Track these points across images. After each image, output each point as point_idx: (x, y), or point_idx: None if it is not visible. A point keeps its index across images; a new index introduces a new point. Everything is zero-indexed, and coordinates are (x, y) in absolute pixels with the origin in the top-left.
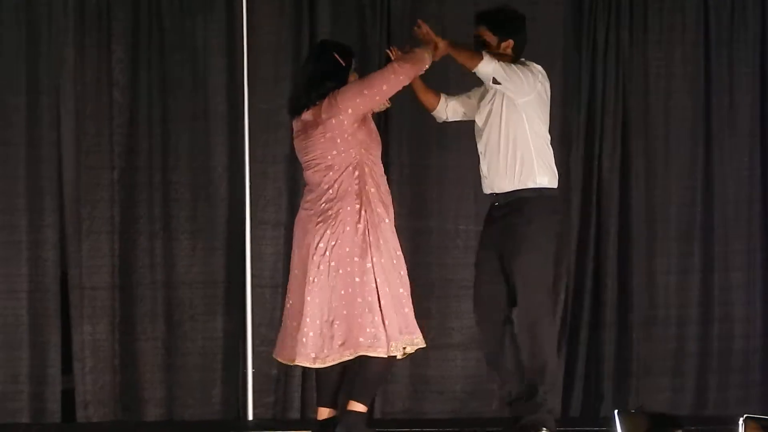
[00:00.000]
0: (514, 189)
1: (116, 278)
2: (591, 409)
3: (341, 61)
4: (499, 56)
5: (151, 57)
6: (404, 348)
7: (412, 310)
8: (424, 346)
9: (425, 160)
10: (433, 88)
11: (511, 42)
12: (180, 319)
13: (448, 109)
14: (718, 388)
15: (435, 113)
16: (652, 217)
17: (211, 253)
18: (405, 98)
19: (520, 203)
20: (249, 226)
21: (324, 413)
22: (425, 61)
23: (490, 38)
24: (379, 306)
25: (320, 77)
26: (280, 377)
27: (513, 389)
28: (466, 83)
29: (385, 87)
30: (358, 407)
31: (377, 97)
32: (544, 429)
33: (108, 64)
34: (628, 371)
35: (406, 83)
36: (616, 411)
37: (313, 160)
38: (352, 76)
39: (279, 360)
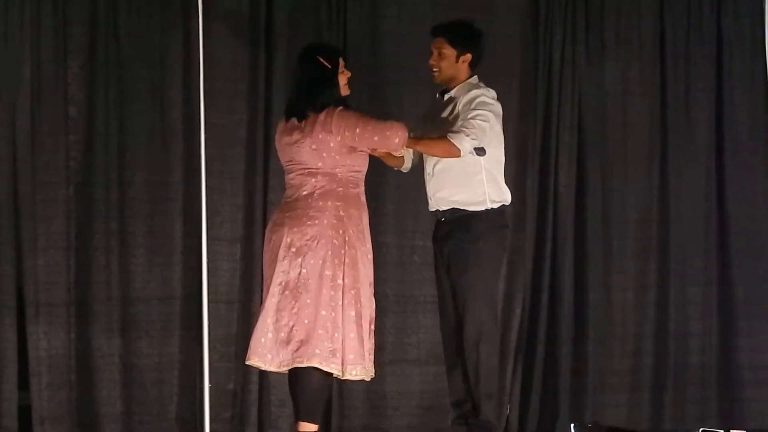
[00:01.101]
0: (467, 206)
1: (72, 294)
2: (548, 424)
3: (326, 64)
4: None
5: (107, 73)
6: (354, 374)
7: (371, 341)
8: (368, 378)
9: (382, 177)
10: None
11: (469, 56)
12: (136, 335)
13: (413, 157)
14: (675, 403)
15: (404, 168)
16: (608, 232)
17: (167, 268)
18: (361, 102)
19: (467, 219)
20: (205, 241)
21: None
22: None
23: (449, 51)
24: (342, 324)
25: (308, 83)
26: (237, 392)
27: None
28: None
29: (376, 138)
30: (309, 427)
31: (365, 142)
32: None
33: (64, 79)
34: (585, 386)
35: (392, 149)
36: (572, 425)
37: (297, 164)
38: (343, 76)
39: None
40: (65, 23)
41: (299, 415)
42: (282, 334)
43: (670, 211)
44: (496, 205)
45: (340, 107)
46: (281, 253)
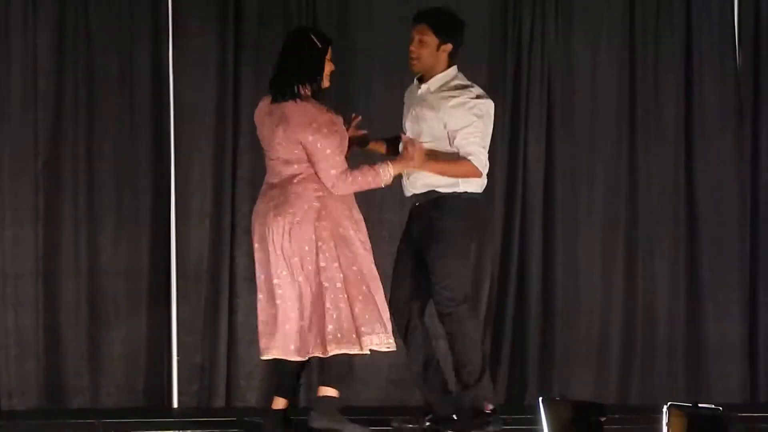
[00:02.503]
0: (440, 188)
1: (40, 266)
2: (515, 397)
3: (317, 42)
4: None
5: (76, 45)
6: (371, 347)
7: (377, 307)
8: (391, 348)
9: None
10: None
11: (450, 46)
12: (104, 308)
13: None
14: (643, 376)
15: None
16: (576, 207)
17: (135, 242)
18: (330, 89)
19: (441, 201)
20: (174, 215)
21: (280, 403)
22: (382, 183)
23: (431, 40)
24: (348, 303)
25: (292, 60)
26: (204, 365)
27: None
28: None
29: (333, 172)
30: (330, 392)
31: (321, 172)
32: (485, 402)
33: (33, 52)
34: (553, 359)
35: (349, 192)
36: (540, 399)
37: (274, 151)
38: (328, 66)
39: (271, 357)
40: None
41: (322, 380)
42: (303, 324)
43: (638, 185)
44: (470, 188)
45: (311, 108)
46: (271, 245)
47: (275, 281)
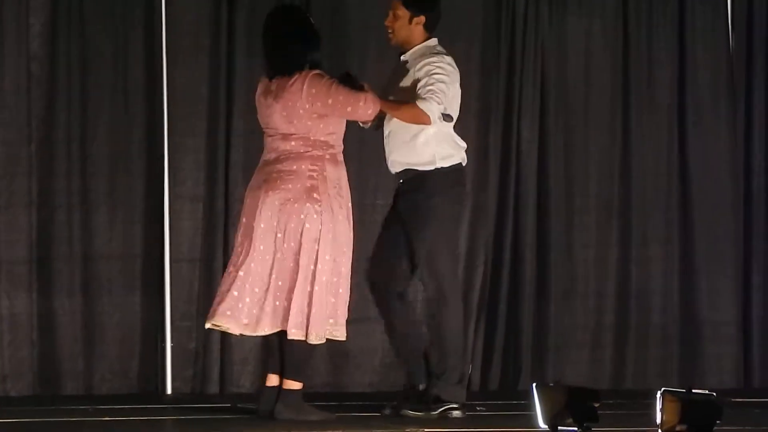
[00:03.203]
0: (417, 167)
1: (34, 252)
2: (509, 383)
3: (311, 18)
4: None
5: (70, 30)
6: (326, 337)
7: (344, 300)
8: (343, 339)
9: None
10: None
11: (423, 18)
12: (98, 293)
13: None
14: (637, 361)
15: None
16: (570, 190)
17: (129, 226)
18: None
19: (422, 179)
20: (168, 199)
21: (272, 380)
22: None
23: (403, 13)
24: (311, 292)
25: (289, 37)
26: (198, 351)
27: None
28: None
29: (349, 109)
30: (294, 385)
31: (337, 112)
32: (454, 404)
33: (26, 37)
34: (547, 345)
35: (364, 120)
36: (534, 384)
37: (272, 129)
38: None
39: (215, 324)
40: None
41: (285, 373)
42: (261, 300)
43: (632, 168)
44: (447, 164)
45: (313, 72)
46: (258, 218)
47: (251, 254)
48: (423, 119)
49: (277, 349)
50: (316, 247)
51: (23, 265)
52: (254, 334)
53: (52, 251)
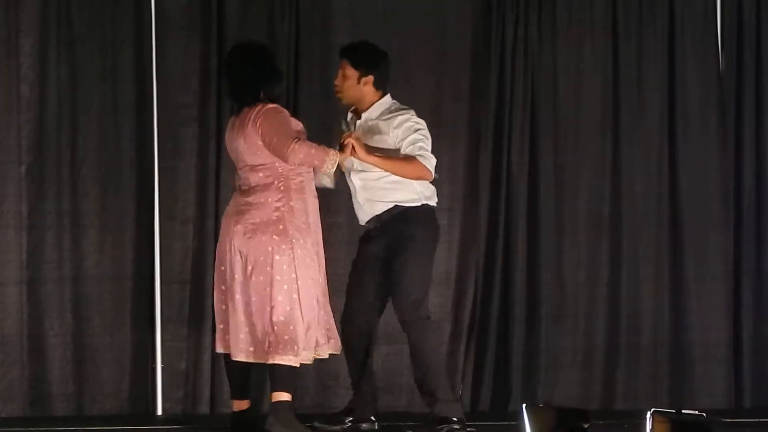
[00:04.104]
0: (404, 203)
1: (24, 273)
2: (500, 403)
3: (267, 49)
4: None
5: (59, 51)
6: (314, 356)
7: (324, 318)
8: (336, 352)
9: None
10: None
11: (371, 77)
12: (88, 314)
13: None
14: (627, 381)
15: (329, 184)
16: (560, 211)
17: (119, 248)
18: (313, 94)
19: (404, 213)
20: (158, 221)
21: (242, 405)
22: (323, 166)
23: (351, 72)
24: (300, 313)
25: (251, 71)
26: (189, 372)
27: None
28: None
29: (285, 150)
30: (283, 396)
31: (277, 154)
32: (454, 419)
33: (16, 58)
34: (537, 365)
35: (290, 165)
36: (524, 405)
37: (240, 160)
38: None
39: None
40: (16, 1)
41: (273, 386)
42: (251, 329)
43: (622, 189)
44: (431, 202)
45: (268, 107)
46: (230, 251)
47: (231, 284)
48: (425, 175)
49: (240, 373)
50: (280, 277)
51: (14, 286)
52: (248, 360)
53: (43, 273)
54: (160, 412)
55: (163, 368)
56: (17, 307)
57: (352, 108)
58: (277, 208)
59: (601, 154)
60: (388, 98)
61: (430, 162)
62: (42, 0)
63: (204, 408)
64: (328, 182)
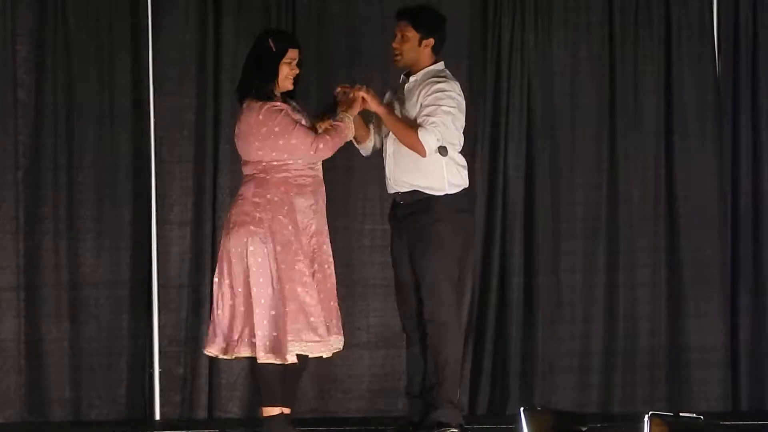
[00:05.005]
0: (426, 190)
1: (21, 278)
2: (497, 407)
3: (272, 47)
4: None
5: (56, 56)
6: (297, 354)
7: (305, 313)
8: (324, 354)
9: (331, 161)
10: None
11: (431, 41)
12: (86, 320)
13: (376, 140)
14: (624, 385)
15: (363, 147)
16: (557, 215)
17: (116, 253)
18: (312, 100)
19: (426, 202)
20: (155, 225)
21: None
22: (346, 133)
23: (412, 35)
24: (255, 313)
25: (249, 65)
26: (186, 377)
27: (415, 386)
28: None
29: (311, 153)
30: (272, 411)
31: (285, 154)
32: (453, 425)
33: (13, 63)
34: (534, 369)
35: (311, 161)
36: (521, 409)
37: (239, 154)
38: (287, 69)
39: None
40: (13, 7)
41: (261, 402)
42: (233, 325)
43: (619, 193)
44: (455, 190)
45: (268, 105)
46: (220, 247)
47: (222, 281)
48: (418, 149)
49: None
50: (256, 269)
51: (11, 291)
52: (231, 357)
53: (40, 278)
54: (157, 416)
55: (160, 373)
56: (14, 313)
57: (406, 72)
58: (255, 203)
59: (597, 158)
60: (440, 65)
61: (430, 137)
62: (39, 5)
63: (202, 413)
64: (364, 150)
